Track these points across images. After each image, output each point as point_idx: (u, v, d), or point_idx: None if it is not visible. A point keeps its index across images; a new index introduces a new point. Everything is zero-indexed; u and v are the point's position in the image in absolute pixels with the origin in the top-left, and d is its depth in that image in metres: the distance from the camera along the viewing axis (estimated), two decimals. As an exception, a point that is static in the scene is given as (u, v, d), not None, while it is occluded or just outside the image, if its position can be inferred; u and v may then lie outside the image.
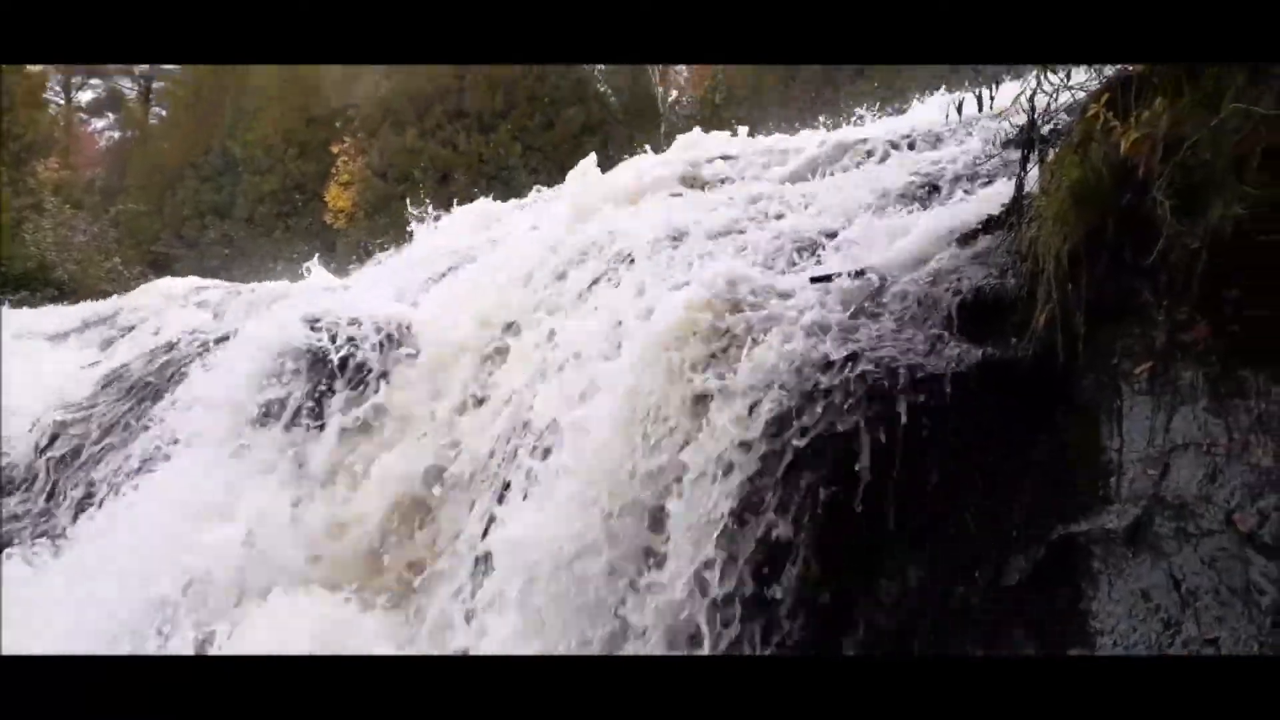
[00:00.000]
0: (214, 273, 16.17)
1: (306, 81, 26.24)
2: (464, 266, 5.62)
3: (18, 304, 14.63)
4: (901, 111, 7.70)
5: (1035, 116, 2.84)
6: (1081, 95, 2.74)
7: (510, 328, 4.19)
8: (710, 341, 2.87)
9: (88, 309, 10.44)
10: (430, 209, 9.06)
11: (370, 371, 4.45)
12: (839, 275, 2.94)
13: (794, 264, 3.30)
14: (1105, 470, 2.24)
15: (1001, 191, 3.25)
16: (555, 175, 20.89)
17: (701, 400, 2.80)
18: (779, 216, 3.84)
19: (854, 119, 5.86)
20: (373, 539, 3.91)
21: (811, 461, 2.55)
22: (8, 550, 4.73)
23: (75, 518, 4.98)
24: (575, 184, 5.15)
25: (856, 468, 2.47)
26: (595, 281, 3.77)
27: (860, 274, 2.91)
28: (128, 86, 39.45)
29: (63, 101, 36.40)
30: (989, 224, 3.04)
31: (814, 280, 2.96)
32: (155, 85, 37.82)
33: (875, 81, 21.01)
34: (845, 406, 2.55)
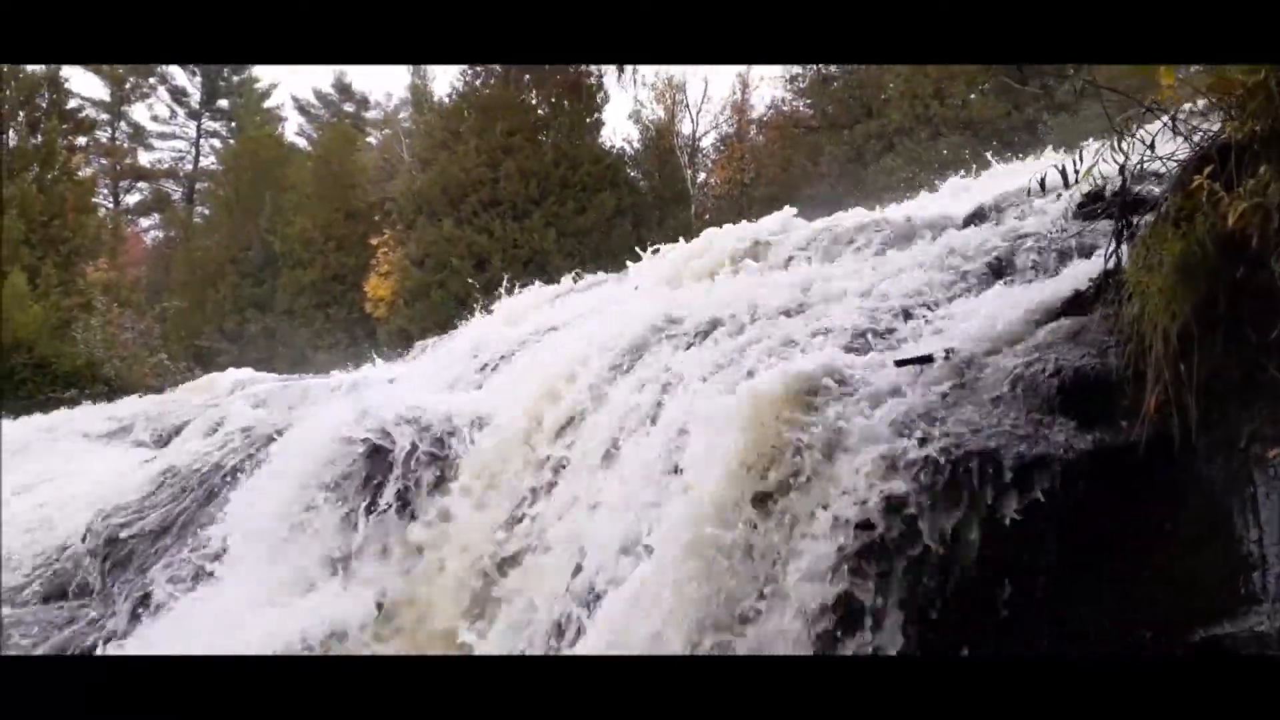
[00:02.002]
0: (257, 364, 16.31)
1: (343, 179, 26.95)
2: (519, 353, 5.58)
3: (68, 401, 14.84)
4: (933, 189, 7.71)
5: (1124, 188, 2.75)
6: (1172, 165, 2.66)
7: (571, 423, 4.11)
8: (795, 429, 2.76)
9: (137, 405, 10.52)
10: (478, 296, 9.10)
11: (429, 464, 4.37)
12: (927, 357, 2.83)
13: (873, 346, 3.20)
14: (1243, 565, 2.07)
15: (1084, 266, 3.15)
16: (589, 259, 21.16)
17: (791, 491, 2.67)
18: (845, 294, 3.76)
19: (904, 196, 5.82)
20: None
21: (910, 564, 2.40)
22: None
23: (130, 622, 4.88)
24: (643, 264, 5.13)
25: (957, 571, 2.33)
26: (668, 361, 3.69)
27: (948, 355, 2.80)
28: (172, 188, 40.82)
29: (111, 205, 37.67)
30: (1078, 300, 2.93)
31: (900, 363, 2.85)
32: (198, 186, 39.10)
33: (900, 158, 21.21)
34: (943, 498, 2.41)
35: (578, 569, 3.48)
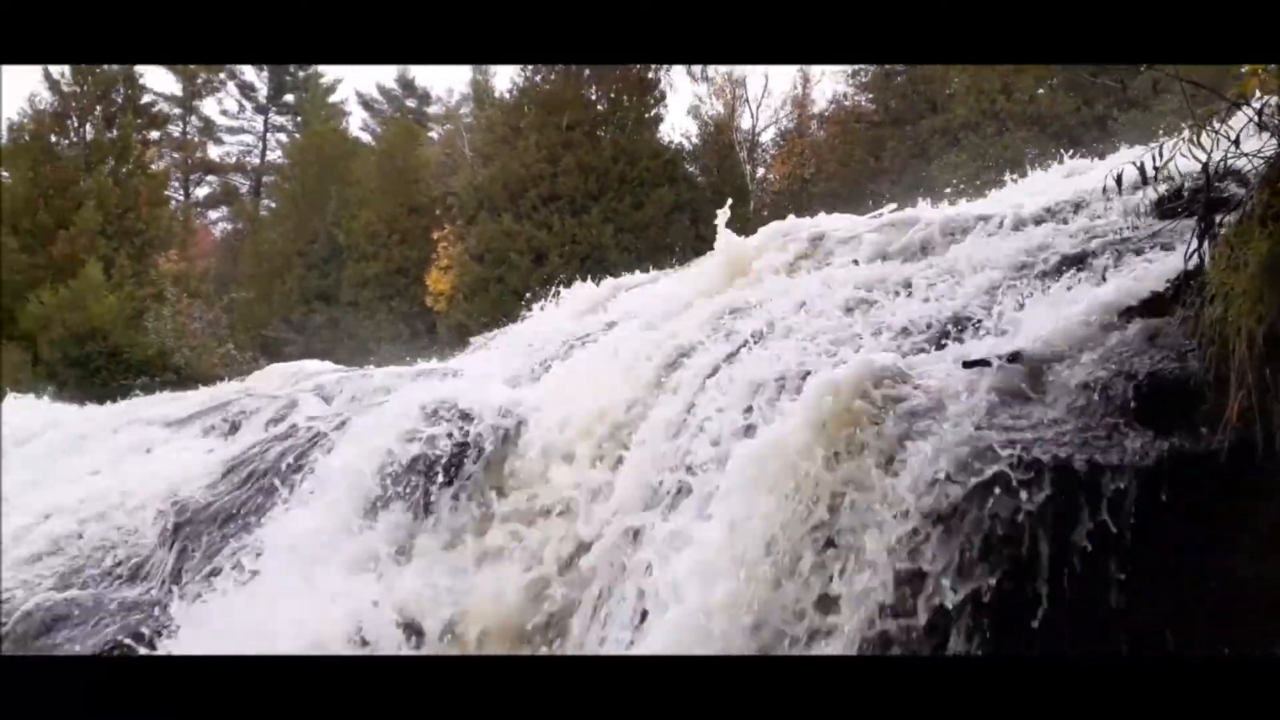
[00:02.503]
0: (321, 355, 16.64)
1: (406, 174, 27.35)
2: (579, 349, 5.60)
3: (139, 389, 15.32)
4: (1000, 186, 7.52)
5: (1208, 185, 2.65)
6: (1259, 162, 2.55)
7: (633, 407, 4.10)
8: (858, 432, 2.71)
9: (205, 394, 10.78)
10: (535, 290, 9.17)
11: (489, 458, 4.41)
12: (995, 359, 2.76)
13: (939, 345, 3.13)
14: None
15: (1162, 266, 3.04)
16: (646, 254, 21.16)
17: (853, 492, 2.64)
18: (910, 292, 3.69)
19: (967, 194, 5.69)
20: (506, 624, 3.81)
21: (976, 573, 2.34)
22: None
23: (197, 605, 5.01)
24: (703, 262, 5.10)
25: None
26: (730, 356, 3.66)
27: (1016, 357, 2.73)
28: (240, 181, 41.85)
29: (182, 197, 38.74)
30: (1155, 301, 2.84)
31: (967, 365, 2.78)
32: (265, 180, 40.01)
33: (965, 153, 20.80)
34: (1013, 506, 2.35)
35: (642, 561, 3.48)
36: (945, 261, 4.02)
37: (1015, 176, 7.21)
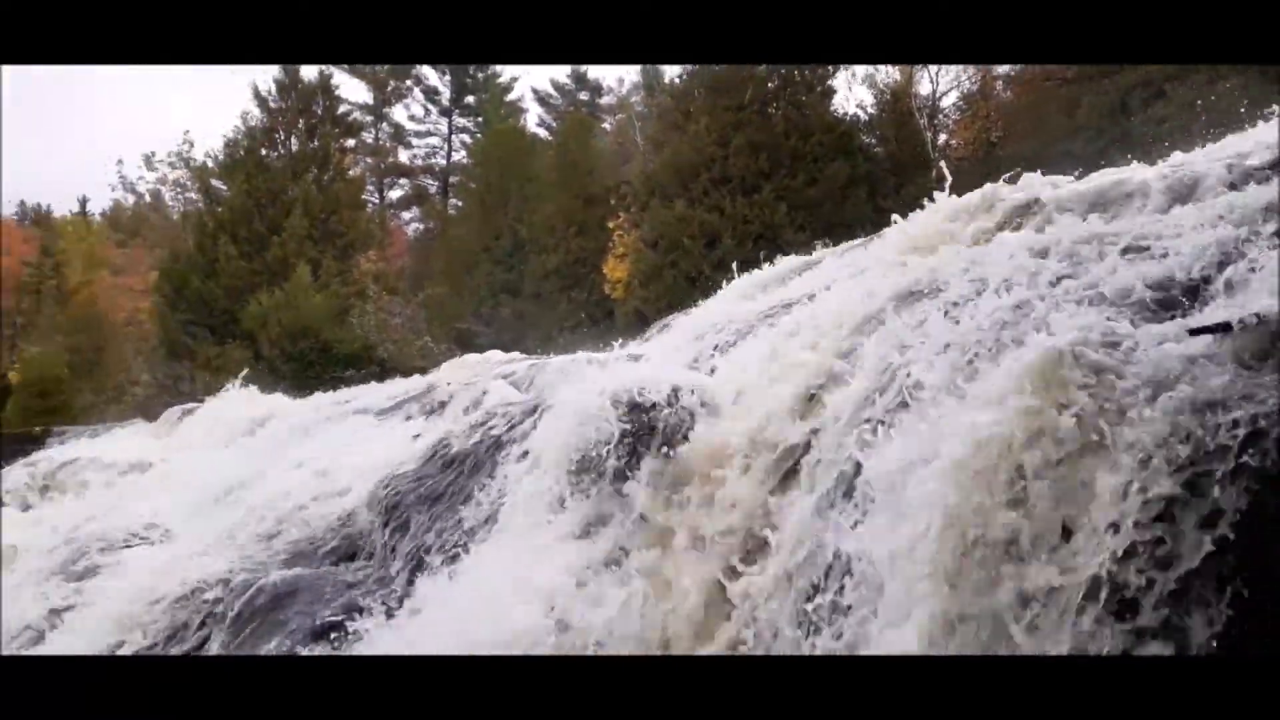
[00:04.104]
0: (509, 345, 17.36)
1: (582, 166, 28.02)
2: (760, 329, 5.55)
3: (347, 381, 16.48)
4: (1216, 138, 6.83)
5: None
6: None
7: (817, 396, 4.02)
8: (1067, 410, 2.54)
9: (407, 384, 11.47)
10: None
11: (677, 440, 4.44)
12: (1225, 325, 2.51)
13: (1160, 311, 2.89)
14: None
15: None
16: (821, 231, 20.68)
17: (1062, 474, 2.47)
18: (1124, 254, 3.41)
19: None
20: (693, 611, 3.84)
21: (1197, 558, 2.14)
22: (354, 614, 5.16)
23: (409, 584, 5.33)
24: (891, 231, 4.93)
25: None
26: (920, 326, 3.51)
27: (1259, 320, 2.47)
28: (429, 182, 44.16)
29: (377, 200, 41.31)
30: None
31: (1194, 332, 2.55)
32: (451, 180, 42.03)
33: (1172, 104, 19.08)
34: (1245, 489, 2.13)
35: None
36: (1163, 221, 3.70)
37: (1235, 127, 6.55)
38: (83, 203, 43.05)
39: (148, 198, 38.83)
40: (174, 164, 36.23)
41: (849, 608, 3.09)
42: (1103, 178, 4.27)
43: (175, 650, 5.96)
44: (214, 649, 5.69)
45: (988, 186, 4.66)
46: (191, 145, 35.97)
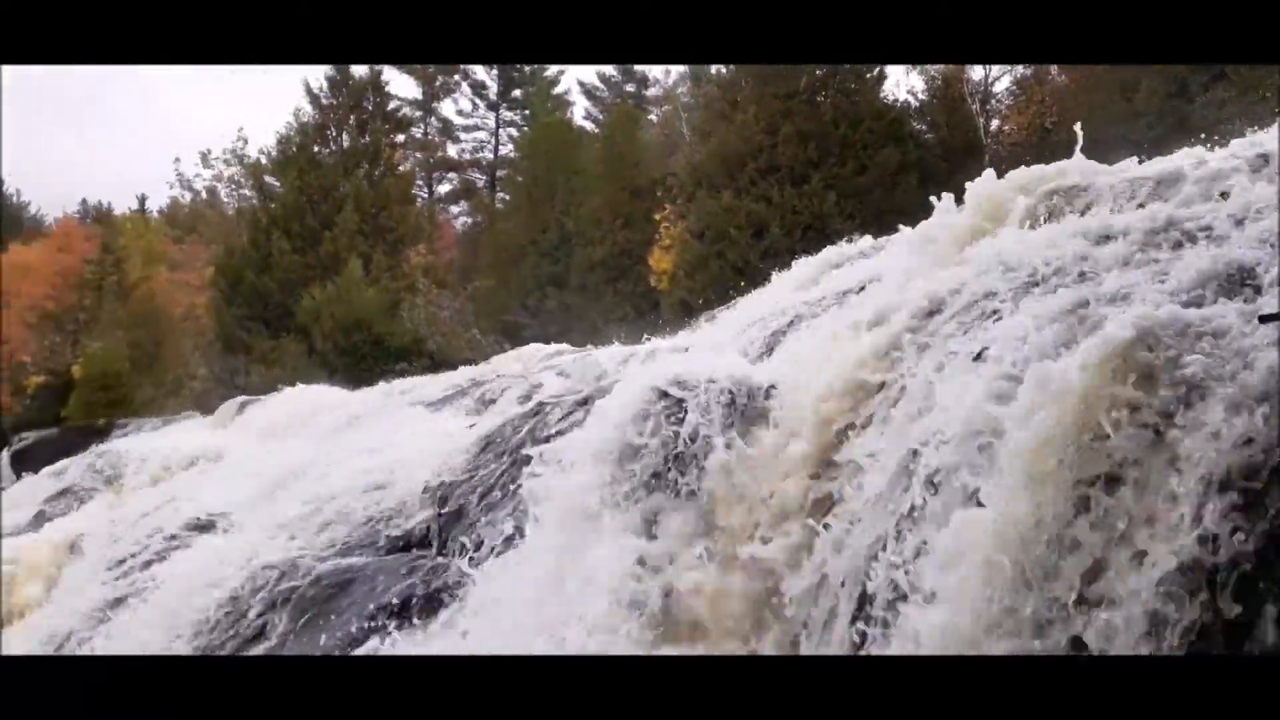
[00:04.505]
0: (556, 337, 17.45)
1: (628, 158, 28.01)
2: (809, 319, 5.51)
3: (398, 373, 16.72)
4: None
5: None
6: None
7: (878, 388, 3.97)
8: (1131, 403, 2.48)
9: (456, 376, 11.60)
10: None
11: (729, 432, 4.43)
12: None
13: (1225, 299, 2.81)
14: None
15: None
16: (871, 220, 20.44)
17: (1130, 469, 2.42)
18: (1190, 240, 3.33)
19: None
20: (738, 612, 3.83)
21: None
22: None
23: (463, 573, 5.41)
24: (938, 217, 4.84)
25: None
26: (982, 318, 3.46)
27: (1331, 307, 2.40)
28: (476, 176, 44.51)
29: (426, 195, 41.74)
30: None
31: (1265, 319, 2.48)
32: (499, 174, 42.32)
33: (1234, 87, 18.49)
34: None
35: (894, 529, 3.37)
36: (1230, 205, 3.59)
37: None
38: (141, 200, 44.10)
39: (204, 194, 39.70)
40: (229, 161, 37.04)
41: (905, 599, 3.07)
42: (1164, 162, 4.16)
43: (234, 639, 6.10)
44: (274, 637, 5.82)
45: (1038, 168, 4.56)
46: (245, 142, 36.70)
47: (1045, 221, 4.65)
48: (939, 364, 3.44)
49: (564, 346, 12.46)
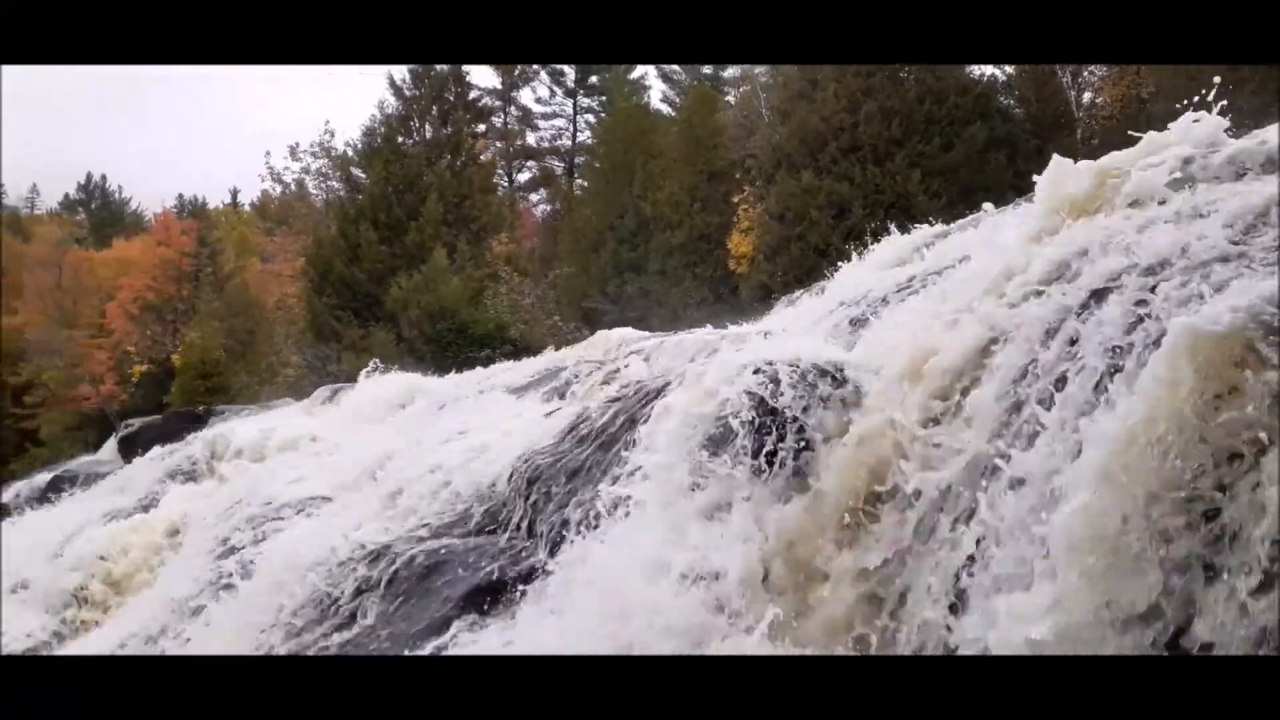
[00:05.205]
0: (635, 322, 17.48)
1: (706, 140, 27.84)
2: (897, 302, 5.40)
3: (482, 360, 16.99)
4: None
5: None
6: None
7: (963, 373, 3.87)
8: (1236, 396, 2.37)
9: (540, 362, 11.74)
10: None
11: (815, 416, 4.38)
12: None
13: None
14: None
15: None
16: (957, 199, 19.91)
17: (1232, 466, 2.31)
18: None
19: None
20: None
21: None
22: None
23: (551, 554, 5.47)
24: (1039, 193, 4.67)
25: None
26: (1083, 306, 3.34)
27: None
28: (555, 164, 44.82)
29: (506, 183, 42.23)
30: None
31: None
32: (577, 160, 42.54)
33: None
34: None
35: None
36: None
37: None
38: (234, 194, 45.70)
39: (293, 187, 40.86)
40: (316, 154, 38.00)
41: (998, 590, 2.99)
42: (1269, 133, 3.93)
43: (330, 620, 6.28)
44: (370, 618, 5.98)
45: (1144, 141, 4.35)
46: (332, 135, 37.59)
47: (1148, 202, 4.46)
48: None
49: (644, 332, 12.49)
